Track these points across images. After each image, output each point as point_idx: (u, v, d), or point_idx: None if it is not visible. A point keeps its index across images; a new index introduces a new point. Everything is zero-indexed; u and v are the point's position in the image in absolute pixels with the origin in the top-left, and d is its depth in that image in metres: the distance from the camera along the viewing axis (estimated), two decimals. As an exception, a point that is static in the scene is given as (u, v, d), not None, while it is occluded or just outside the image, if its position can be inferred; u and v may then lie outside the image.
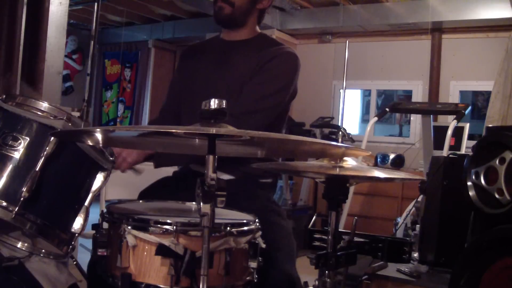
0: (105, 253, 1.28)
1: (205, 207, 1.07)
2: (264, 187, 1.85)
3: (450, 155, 2.50)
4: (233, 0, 1.82)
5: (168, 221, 1.22)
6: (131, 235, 1.21)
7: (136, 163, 1.70)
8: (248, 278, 1.32)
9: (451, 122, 3.37)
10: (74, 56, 7.32)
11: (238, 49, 1.88)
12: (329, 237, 1.45)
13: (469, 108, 3.42)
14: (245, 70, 1.81)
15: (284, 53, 1.84)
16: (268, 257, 1.39)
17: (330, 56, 5.94)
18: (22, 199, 1.28)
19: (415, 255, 2.33)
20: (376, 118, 3.69)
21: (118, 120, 7.36)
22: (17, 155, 1.32)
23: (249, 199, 1.70)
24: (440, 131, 3.51)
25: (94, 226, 1.34)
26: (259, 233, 1.34)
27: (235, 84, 1.80)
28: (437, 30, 5.29)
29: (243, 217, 1.40)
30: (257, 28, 1.94)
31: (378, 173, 1.48)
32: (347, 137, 4.58)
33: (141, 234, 1.21)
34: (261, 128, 1.58)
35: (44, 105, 1.40)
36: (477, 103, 6.31)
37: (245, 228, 1.30)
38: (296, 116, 5.20)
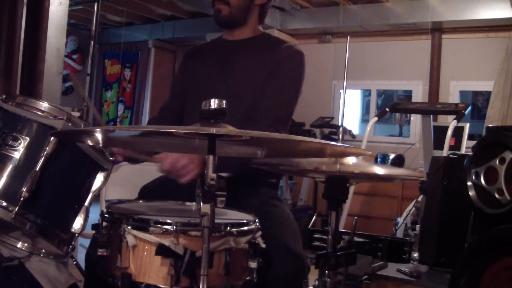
0: (105, 253, 1.28)
1: (205, 207, 1.07)
2: (267, 185, 1.87)
3: (450, 155, 2.50)
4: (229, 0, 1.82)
5: (168, 221, 1.22)
6: (131, 235, 1.22)
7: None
8: (248, 278, 1.32)
9: (451, 122, 3.37)
10: (74, 56, 7.32)
11: (239, 49, 1.88)
12: (329, 237, 1.45)
13: (469, 108, 3.41)
14: (247, 71, 1.81)
15: (295, 54, 1.85)
16: (274, 236, 1.39)
17: (330, 56, 5.94)
18: (22, 199, 1.28)
19: (415, 255, 2.33)
20: (376, 118, 3.69)
21: (118, 120, 7.36)
22: (17, 155, 1.32)
23: (252, 193, 1.73)
24: (440, 131, 3.51)
25: (94, 226, 1.34)
26: (259, 233, 1.34)
27: (236, 85, 1.80)
28: (437, 30, 5.29)
29: (243, 217, 1.40)
30: (260, 27, 1.94)
31: (378, 169, 1.48)
32: (348, 133, 4.58)
33: (141, 234, 1.21)
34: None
35: (44, 105, 1.40)
36: (477, 103, 6.31)
37: (245, 228, 1.30)
38: (296, 116, 5.16)
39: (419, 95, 5.52)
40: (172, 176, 1.52)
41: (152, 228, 1.22)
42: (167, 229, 1.21)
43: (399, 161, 4.82)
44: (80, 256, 2.24)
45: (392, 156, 4.84)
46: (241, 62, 1.84)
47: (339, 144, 1.27)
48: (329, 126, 5.01)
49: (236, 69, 1.83)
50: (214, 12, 1.85)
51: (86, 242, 1.71)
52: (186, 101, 1.93)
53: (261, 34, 1.93)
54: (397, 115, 6.32)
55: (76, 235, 1.42)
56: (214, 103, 1.11)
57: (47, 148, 1.32)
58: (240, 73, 1.82)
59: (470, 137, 4.44)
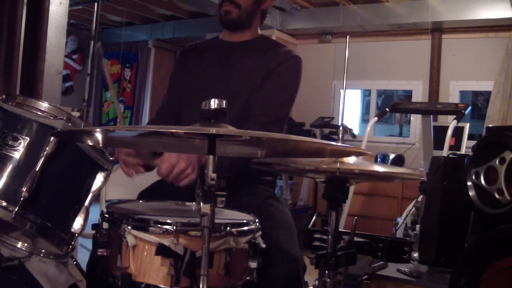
0: (105, 253, 1.28)
1: (205, 207, 1.07)
2: (264, 184, 1.86)
3: (450, 155, 2.50)
4: (240, 2, 1.81)
5: (168, 221, 1.22)
6: (131, 235, 1.21)
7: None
8: (248, 278, 1.32)
9: (451, 122, 3.37)
10: (74, 56, 7.32)
11: (239, 51, 1.87)
12: (329, 237, 1.45)
13: (469, 108, 3.41)
14: (246, 71, 1.81)
15: (292, 57, 1.85)
16: (269, 236, 1.39)
17: (330, 56, 5.94)
18: (22, 199, 1.29)
19: (415, 255, 2.33)
20: (376, 118, 3.69)
21: (118, 120, 7.36)
22: (17, 155, 1.33)
23: (249, 192, 1.72)
24: (440, 131, 3.51)
25: (94, 226, 1.33)
26: (259, 233, 1.34)
27: (235, 85, 1.80)
28: (437, 30, 5.29)
29: (243, 217, 1.40)
30: (258, 30, 1.94)
31: (378, 168, 1.49)
32: (349, 132, 4.58)
33: (141, 234, 1.21)
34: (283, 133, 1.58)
35: (44, 105, 1.41)
36: (477, 103, 6.31)
37: (245, 228, 1.30)
38: (296, 116, 5.20)
39: (419, 95, 5.52)
40: (170, 180, 1.50)
41: (152, 228, 1.22)
42: (167, 229, 1.20)
43: (399, 161, 4.83)
44: (80, 256, 2.25)
45: (392, 156, 4.84)
46: (241, 63, 1.84)
47: (339, 144, 1.27)
48: (329, 126, 5.02)
49: (236, 70, 1.83)
50: (222, 12, 1.83)
51: (86, 242, 1.71)
52: (184, 100, 1.92)
53: (260, 36, 1.94)
54: (397, 115, 6.32)
55: (76, 235, 1.43)
56: (214, 103, 1.11)
57: (47, 148, 1.32)
58: (240, 74, 1.82)
59: (470, 137, 4.45)
